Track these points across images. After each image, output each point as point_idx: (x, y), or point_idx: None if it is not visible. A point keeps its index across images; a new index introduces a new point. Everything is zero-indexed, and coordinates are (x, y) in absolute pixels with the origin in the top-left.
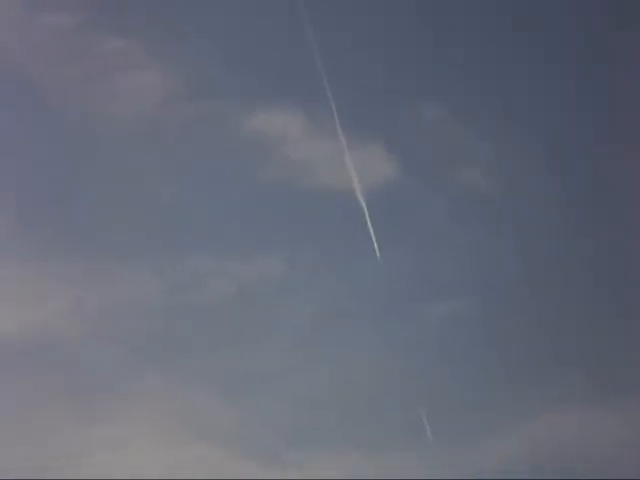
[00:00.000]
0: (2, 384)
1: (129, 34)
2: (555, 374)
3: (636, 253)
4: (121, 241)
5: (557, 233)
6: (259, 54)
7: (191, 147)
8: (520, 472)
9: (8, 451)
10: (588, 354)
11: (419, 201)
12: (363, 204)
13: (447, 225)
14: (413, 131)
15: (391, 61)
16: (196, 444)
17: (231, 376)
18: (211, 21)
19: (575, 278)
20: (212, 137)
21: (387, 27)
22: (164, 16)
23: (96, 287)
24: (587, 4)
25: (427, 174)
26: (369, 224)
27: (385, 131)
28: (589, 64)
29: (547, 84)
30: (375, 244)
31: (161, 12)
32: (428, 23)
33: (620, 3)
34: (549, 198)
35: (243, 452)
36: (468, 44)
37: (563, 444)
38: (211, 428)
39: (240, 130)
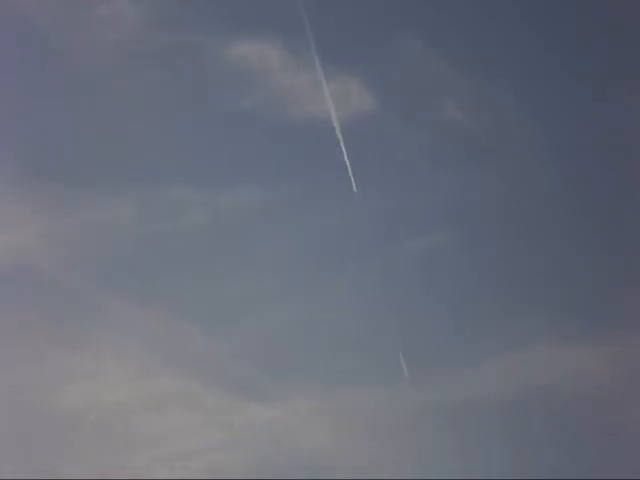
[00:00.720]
0: None
1: None
2: (533, 310)
3: (623, 187)
4: (97, 170)
5: (539, 169)
6: None
7: (169, 76)
8: (495, 405)
9: None
10: (567, 291)
11: (397, 135)
12: (340, 137)
13: (425, 160)
14: (392, 65)
15: None
16: (172, 375)
17: (209, 306)
18: None
19: (556, 214)
20: (191, 67)
21: None
22: None
23: (71, 214)
24: None
25: (405, 108)
26: (346, 158)
27: (363, 64)
28: None
29: (530, 17)
30: (352, 178)
31: None
32: None
33: None
34: (530, 133)
35: (221, 384)
36: None
37: (539, 379)
38: (188, 359)
39: (218, 60)
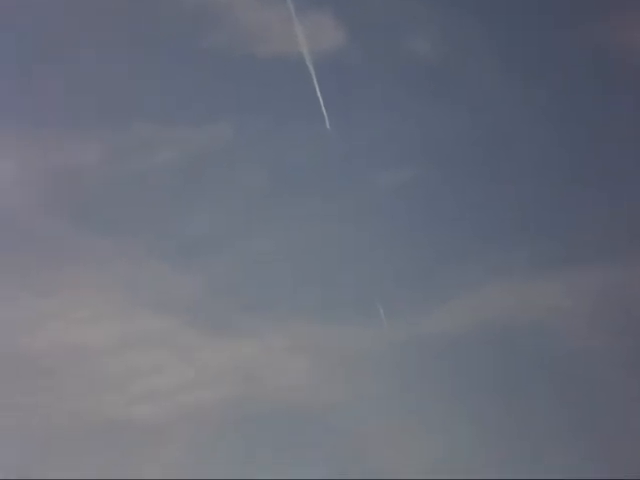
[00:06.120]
0: None
1: None
2: (502, 244)
3: (587, 117)
4: (67, 109)
5: (508, 104)
6: None
7: (139, 14)
8: (468, 341)
9: None
10: (535, 224)
11: (368, 69)
12: (312, 71)
13: (396, 94)
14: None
15: None
16: (147, 313)
17: (180, 244)
18: None
19: (526, 148)
20: (159, 4)
21: None
22: None
23: (42, 154)
24: None
25: (376, 42)
26: (318, 92)
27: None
28: None
29: None
30: (324, 112)
31: None
32: None
33: None
34: (501, 68)
35: (195, 321)
36: None
37: (509, 312)
38: (162, 297)
39: None
